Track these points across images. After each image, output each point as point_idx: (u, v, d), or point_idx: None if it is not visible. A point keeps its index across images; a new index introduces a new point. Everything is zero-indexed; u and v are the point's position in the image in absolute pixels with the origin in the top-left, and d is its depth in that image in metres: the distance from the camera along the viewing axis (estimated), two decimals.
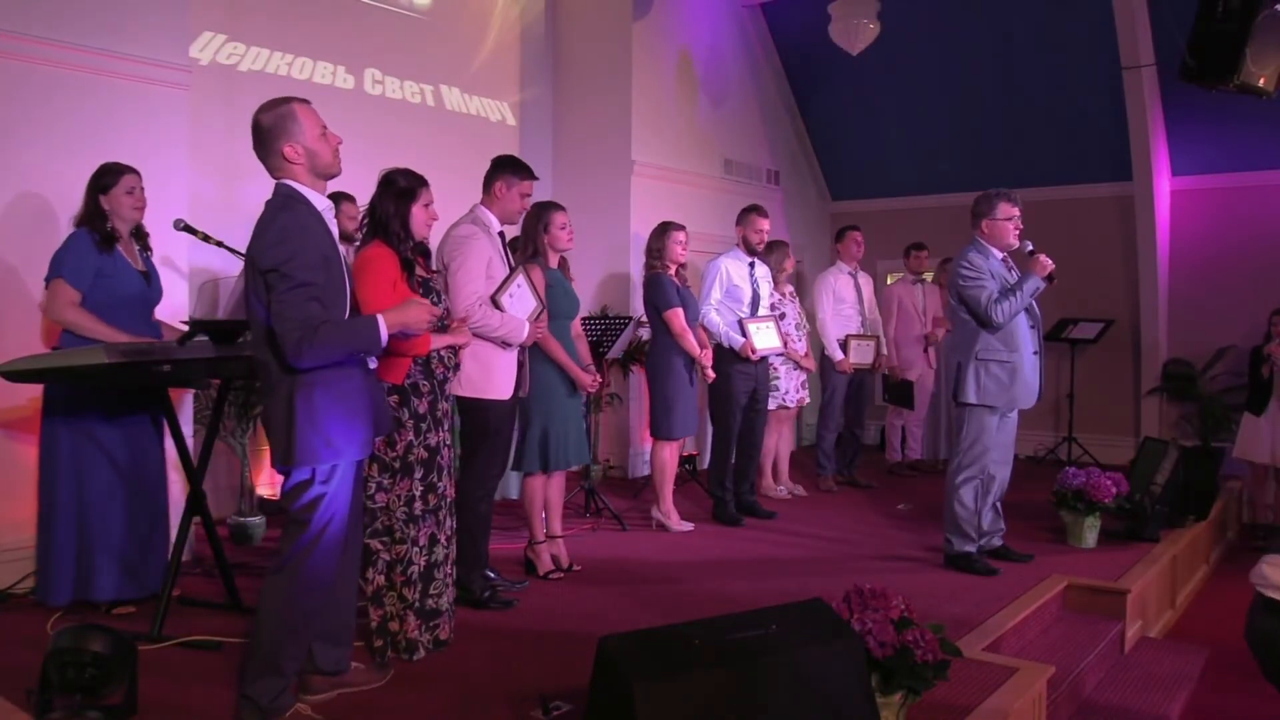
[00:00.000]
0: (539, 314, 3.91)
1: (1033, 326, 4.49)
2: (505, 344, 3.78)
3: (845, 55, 7.45)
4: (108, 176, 3.68)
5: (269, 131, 2.61)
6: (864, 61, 7.63)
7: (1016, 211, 4.49)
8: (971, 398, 4.43)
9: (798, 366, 6.24)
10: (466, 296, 3.63)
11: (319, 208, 2.66)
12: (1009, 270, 4.52)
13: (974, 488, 4.49)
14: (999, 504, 4.68)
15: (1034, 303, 4.49)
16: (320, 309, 2.52)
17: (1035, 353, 4.48)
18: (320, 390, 2.58)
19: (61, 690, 2.62)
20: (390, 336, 2.74)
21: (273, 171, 2.66)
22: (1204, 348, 7.91)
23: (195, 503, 3.59)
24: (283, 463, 2.62)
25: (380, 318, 2.67)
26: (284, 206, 2.60)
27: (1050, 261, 4.40)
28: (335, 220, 2.75)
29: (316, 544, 2.63)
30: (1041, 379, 4.54)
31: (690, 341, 5.25)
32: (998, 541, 4.68)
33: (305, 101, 2.68)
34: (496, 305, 3.71)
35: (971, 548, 4.51)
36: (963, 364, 4.48)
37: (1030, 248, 4.48)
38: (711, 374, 5.42)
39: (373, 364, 2.86)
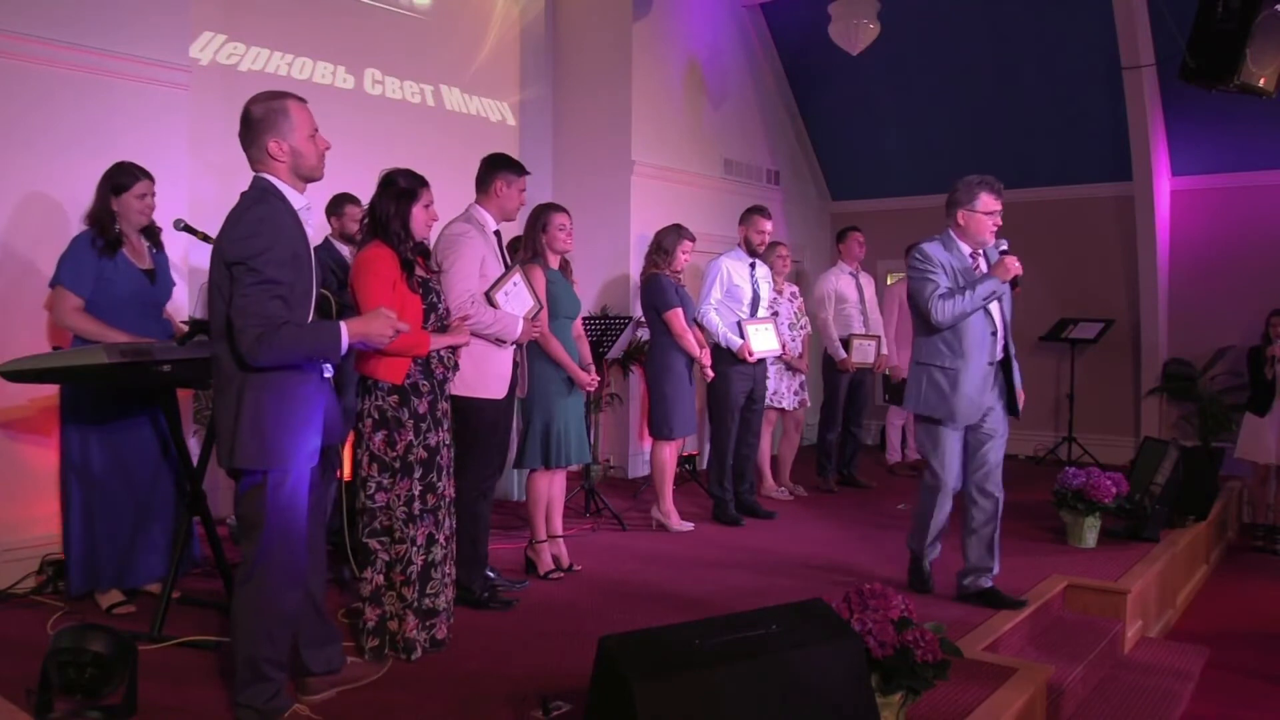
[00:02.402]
0: (536, 313, 3.91)
1: (993, 333, 3.94)
2: (500, 341, 3.78)
3: (845, 55, 7.45)
4: (123, 179, 3.70)
5: (258, 123, 2.58)
6: (864, 61, 7.63)
7: (999, 206, 3.95)
8: (910, 404, 4.05)
9: (789, 368, 6.23)
10: (460, 294, 3.62)
11: (296, 205, 2.63)
12: (977, 267, 4.00)
13: (935, 499, 4.04)
14: (996, 540, 4.03)
15: (1002, 308, 3.98)
16: (283, 308, 2.48)
17: (990, 363, 3.94)
18: (270, 394, 2.53)
19: (61, 690, 2.62)
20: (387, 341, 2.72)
21: (254, 163, 2.63)
22: (1204, 348, 7.92)
23: (195, 503, 3.59)
24: (226, 463, 2.58)
25: (343, 326, 2.62)
26: (259, 200, 2.56)
27: (1017, 265, 3.87)
28: (312, 222, 2.72)
29: (280, 546, 2.59)
30: (1000, 393, 3.99)
31: (690, 342, 5.26)
32: (986, 583, 4.01)
33: (301, 100, 2.65)
34: (491, 302, 3.71)
35: (920, 554, 4.15)
36: (912, 367, 4.10)
37: (1004, 247, 3.99)
38: (711, 374, 5.43)
39: (328, 372, 2.77)
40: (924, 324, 3.99)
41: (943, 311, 3.85)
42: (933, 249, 3.99)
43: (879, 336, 6.71)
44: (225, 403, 2.56)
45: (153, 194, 3.77)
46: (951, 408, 3.93)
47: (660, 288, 5.26)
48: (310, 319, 2.66)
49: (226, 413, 2.55)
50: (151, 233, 3.86)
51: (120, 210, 3.69)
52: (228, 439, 2.55)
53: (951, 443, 3.99)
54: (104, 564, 3.69)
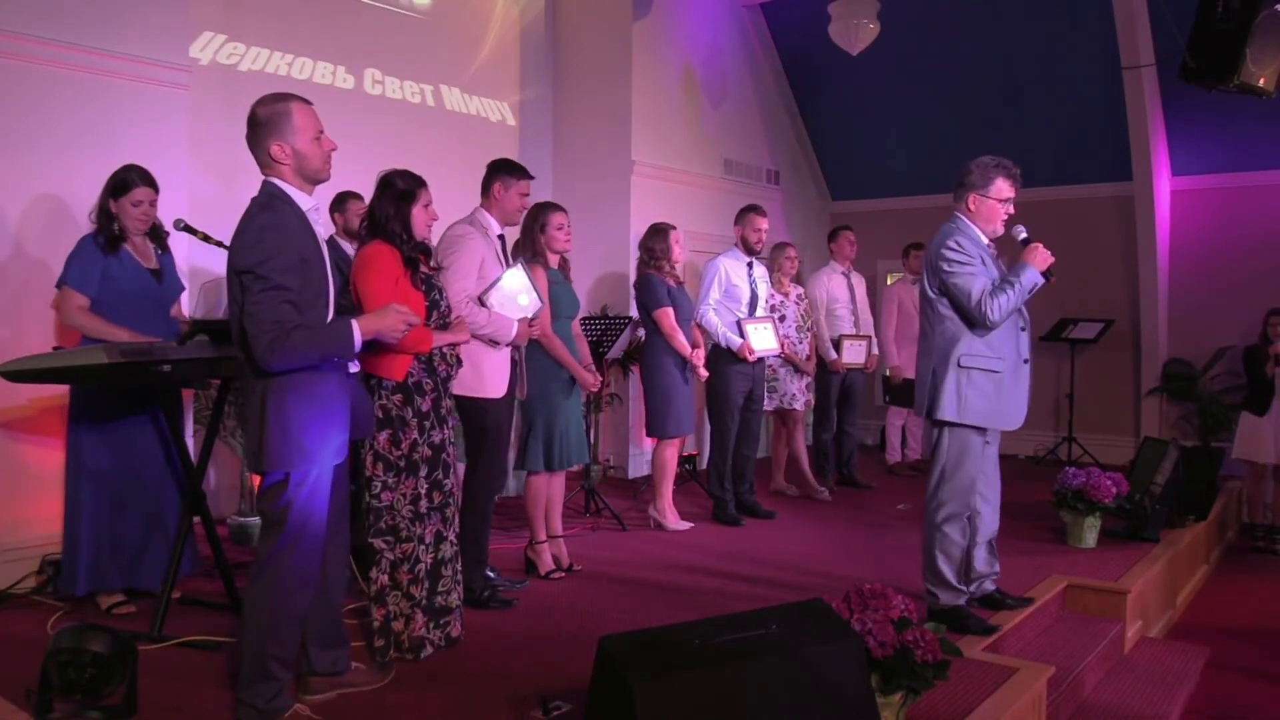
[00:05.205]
0: (537, 312, 3.91)
1: (1023, 329, 3.70)
2: (493, 343, 3.78)
3: (845, 55, 7.45)
4: (124, 181, 3.70)
5: (262, 126, 2.59)
6: (864, 61, 7.63)
7: (1014, 193, 3.69)
8: (950, 413, 3.61)
9: (796, 370, 6.23)
10: (455, 294, 3.63)
11: (304, 207, 2.63)
12: (995, 258, 3.74)
13: (961, 526, 3.68)
14: (993, 543, 3.87)
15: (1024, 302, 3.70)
16: (293, 312, 2.49)
17: (1026, 361, 3.70)
18: (293, 394, 2.55)
19: (61, 690, 2.62)
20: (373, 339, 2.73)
21: (261, 166, 2.64)
22: (1204, 348, 7.92)
23: (195, 503, 3.59)
24: (254, 467, 2.61)
25: (355, 324, 2.64)
26: (266, 206, 2.58)
27: (1049, 253, 3.62)
28: (321, 220, 2.73)
29: (296, 546, 2.60)
30: (1029, 394, 3.76)
31: (680, 341, 5.25)
32: (990, 586, 3.88)
33: (306, 102, 2.65)
34: (483, 304, 3.72)
35: (961, 600, 3.70)
36: (939, 371, 3.64)
37: (1024, 234, 3.71)
38: (704, 373, 5.42)
39: (354, 367, 2.81)
40: (962, 323, 3.60)
41: (997, 310, 3.50)
42: (965, 240, 3.63)
43: (869, 337, 6.73)
44: (250, 407, 2.60)
45: (151, 203, 3.75)
46: (1003, 413, 3.62)
47: (650, 287, 5.27)
48: (330, 318, 2.67)
49: (252, 417, 2.59)
50: (156, 233, 3.87)
51: (118, 212, 3.70)
52: (254, 443, 2.58)
53: (978, 456, 3.66)
54: (113, 566, 3.69)
